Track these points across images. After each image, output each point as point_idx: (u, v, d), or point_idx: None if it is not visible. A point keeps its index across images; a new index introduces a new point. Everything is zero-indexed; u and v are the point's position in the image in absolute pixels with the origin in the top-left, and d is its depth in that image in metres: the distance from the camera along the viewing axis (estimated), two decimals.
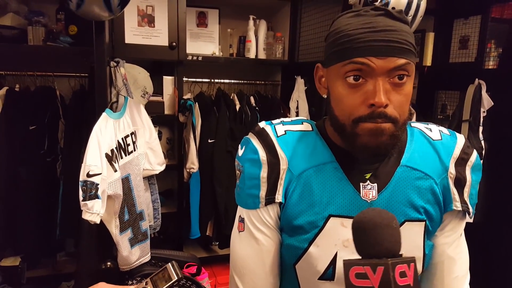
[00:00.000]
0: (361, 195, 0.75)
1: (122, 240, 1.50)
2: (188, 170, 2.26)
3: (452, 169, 0.77)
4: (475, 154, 0.79)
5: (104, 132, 1.41)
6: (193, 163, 2.23)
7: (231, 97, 2.42)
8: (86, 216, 1.29)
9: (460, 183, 0.77)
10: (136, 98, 1.80)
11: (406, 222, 0.75)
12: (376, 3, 1.43)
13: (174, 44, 2.16)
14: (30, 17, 2.07)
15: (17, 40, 2.01)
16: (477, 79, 1.97)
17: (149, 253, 1.64)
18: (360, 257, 0.55)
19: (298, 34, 2.58)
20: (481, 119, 1.96)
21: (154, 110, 2.15)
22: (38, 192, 2.00)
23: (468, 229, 0.86)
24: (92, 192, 1.29)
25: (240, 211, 0.82)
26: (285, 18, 2.64)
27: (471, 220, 0.88)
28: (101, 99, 1.49)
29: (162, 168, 1.85)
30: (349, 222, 0.74)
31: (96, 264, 1.58)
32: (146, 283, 0.65)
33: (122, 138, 1.55)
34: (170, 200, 2.53)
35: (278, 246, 0.80)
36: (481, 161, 0.81)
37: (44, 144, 2.02)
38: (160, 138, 2.41)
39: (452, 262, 0.80)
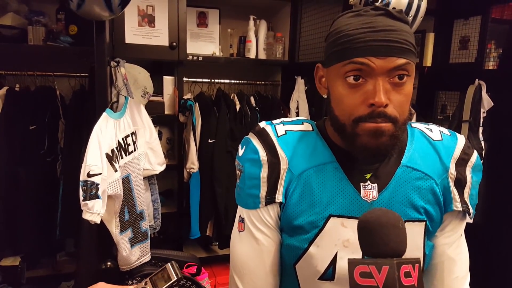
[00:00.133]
0: (362, 195, 0.75)
1: (122, 240, 1.50)
2: (188, 170, 2.26)
3: (452, 170, 0.77)
4: (475, 154, 0.79)
5: (105, 132, 1.41)
6: (193, 163, 2.23)
7: (231, 97, 2.42)
8: (86, 216, 1.29)
9: (460, 183, 0.77)
10: (136, 98, 1.80)
11: (406, 222, 0.74)
12: (377, 4, 1.43)
13: (174, 44, 2.16)
14: (30, 16, 2.07)
15: (17, 39, 2.01)
16: (477, 80, 1.97)
17: (149, 253, 1.64)
18: (363, 256, 0.56)
19: (298, 34, 2.58)
20: (481, 120, 1.96)
21: (154, 110, 2.15)
22: (38, 192, 2.00)
23: (468, 229, 0.86)
24: (92, 192, 1.29)
25: (240, 211, 0.82)
26: (286, 18, 2.64)
27: (471, 221, 0.88)
28: (101, 99, 1.49)
29: (162, 168, 1.85)
30: (349, 222, 0.74)
31: (96, 264, 1.58)
32: (146, 283, 0.65)
33: (123, 138, 1.55)
34: (170, 200, 2.53)
35: (278, 246, 0.80)
36: (481, 161, 0.81)
37: (44, 144, 2.02)
38: (160, 138, 2.40)
39: (452, 263, 0.80)
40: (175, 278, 0.64)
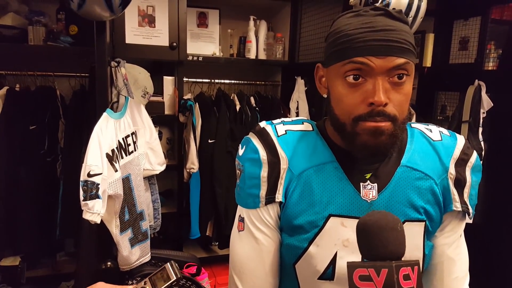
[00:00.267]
0: (361, 195, 0.75)
1: (122, 240, 1.50)
2: (188, 170, 2.26)
3: (452, 170, 0.77)
4: (475, 155, 0.79)
5: (105, 132, 1.41)
6: (193, 163, 2.23)
7: (231, 98, 2.42)
8: (86, 216, 1.29)
9: (460, 183, 0.77)
10: (136, 98, 1.80)
11: (406, 222, 0.75)
12: (377, 4, 1.43)
13: (174, 44, 2.16)
14: (30, 16, 2.07)
15: (17, 39, 2.01)
16: (477, 80, 1.97)
17: (149, 253, 1.64)
18: (362, 259, 0.55)
19: (299, 34, 2.58)
20: (481, 120, 1.96)
21: (154, 110, 2.16)
22: (38, 192, 2.00)
23: (468, 229, 0.86)
24: (92, 192, 1.29)
25: (240, 211, 0.82)
26: (286, 19, 2.64)
27: (470, 221, 0.88)
28: (101, 99, 1.49)
29: (163, 168, 1.85)
30: (349, 222, 0.74)
31: (96, 264, 1.58)
32: (145, 283, 0.65)
33: (123, 138, 1.56)
34: (170, 200, 2.53)
35: (278, 246, 0.80)
36: (481, 162, 0.81)
37: (44, 144, 2.02)
38: (160, 138, 2.41)
39: (451, 263, 0.80)
40: (174, 278, 0.64)
